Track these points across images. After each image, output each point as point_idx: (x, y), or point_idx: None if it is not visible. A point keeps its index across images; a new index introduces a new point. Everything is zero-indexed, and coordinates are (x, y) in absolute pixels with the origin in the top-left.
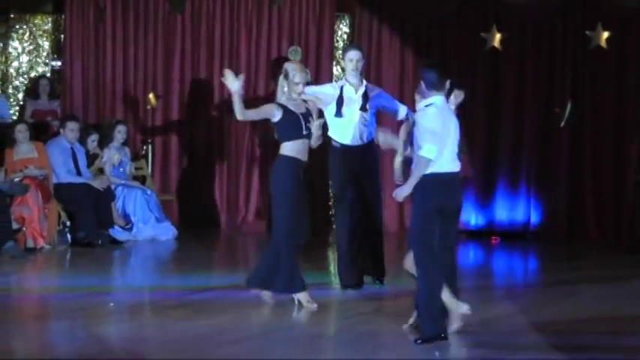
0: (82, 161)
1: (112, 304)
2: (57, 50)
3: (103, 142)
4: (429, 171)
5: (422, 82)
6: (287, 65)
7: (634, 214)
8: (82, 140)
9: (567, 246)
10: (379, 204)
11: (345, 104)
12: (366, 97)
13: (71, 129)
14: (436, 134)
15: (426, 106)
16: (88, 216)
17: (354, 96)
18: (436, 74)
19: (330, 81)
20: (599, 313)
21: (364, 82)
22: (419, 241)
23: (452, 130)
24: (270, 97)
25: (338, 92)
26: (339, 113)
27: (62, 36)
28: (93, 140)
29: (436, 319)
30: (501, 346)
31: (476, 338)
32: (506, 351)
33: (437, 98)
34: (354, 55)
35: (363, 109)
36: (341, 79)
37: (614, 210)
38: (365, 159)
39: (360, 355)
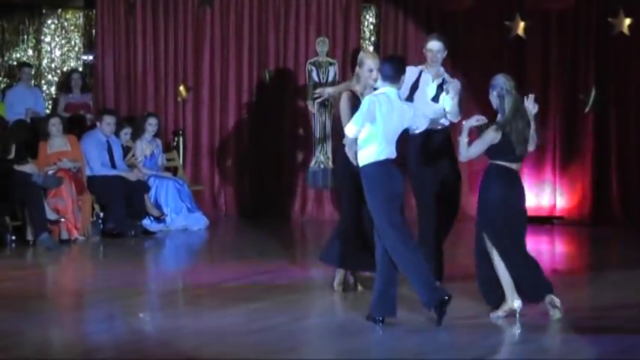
0: (118, 154)
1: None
2: (88, 45)
3: (135, 135)
4: (373, 160)
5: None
6: (361, 54)
7: None
8: (116, 134)
9: (592, 231)
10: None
11: (419, 90)
12: (440, 88)
13: (108, 122)
14: (364, 117)
15: (377, 93)
16: (118, 207)
17: (429, 85)
18: (393, 68)
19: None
20: (623, 297)
21: (445, 73)
22: (387, 223)
23: (394, 122)
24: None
25: (415, 76)
26: (410, 97)
27: (93, 31)
28: (125, 133)
29: (431, 285)
30: (529, 330)
31: (502, 321)
32: (533, 334)
33: (390, 90)
34: (432, 45)
35: (435, 99)
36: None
37: (638, 193)
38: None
39: (389, 341)
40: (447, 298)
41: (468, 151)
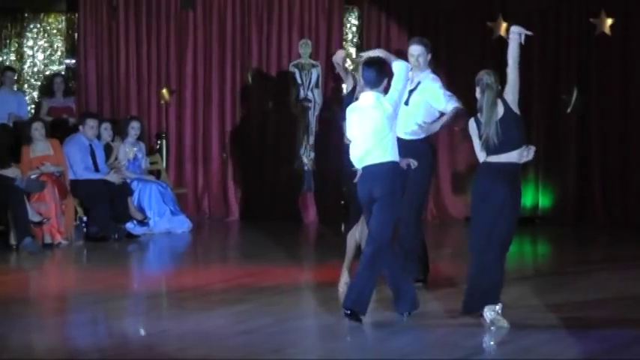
0: (101, 157)
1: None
2: (71, 49)
3: (118, 138)
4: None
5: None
6: (359, 60)
7: None
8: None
9: (576, 230)
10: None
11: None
12: (411, 91)
13: (91, 126)
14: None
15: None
16: (102, 211)
17: (410, 88)
18: (375, 73)
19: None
20: (607, 297)
21: (428, 75)
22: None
23: (364, 128)
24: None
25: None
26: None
27: (76, 35)
28: (105, 128)
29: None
30: (513, 329)
31: (480, 321)
32: (518, 334)
33: (366, 95)
34: (412, 49)
35: (406, 103)
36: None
37: (621, 193)
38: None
39: (372, 343)
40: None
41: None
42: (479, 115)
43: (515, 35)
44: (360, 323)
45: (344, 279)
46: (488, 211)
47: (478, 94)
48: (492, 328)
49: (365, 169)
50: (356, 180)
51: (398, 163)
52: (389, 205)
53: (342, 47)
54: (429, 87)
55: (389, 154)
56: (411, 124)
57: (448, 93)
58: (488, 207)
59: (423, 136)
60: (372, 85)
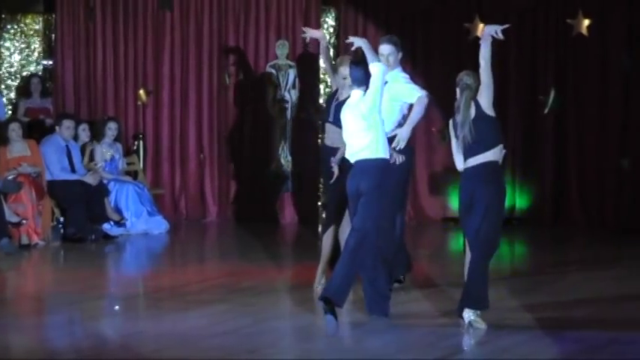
0: (77, 158)
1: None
2: (48, 49)
3: (95, 138)
4: None
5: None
6: (337, 60)
7: (618, 198)
8: (75, 134)
9: (553, 230)
10: None
11: None
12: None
13: (67, 127)
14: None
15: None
16: (79, 212)
17: None
18: (362, 72)
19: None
20: (584, 297)
21: (398, 74)
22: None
23: (347, 123)
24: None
25: None
26: None
27: (53, 35)
28: (83, 129)
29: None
30: (491, 329)
31: (458, 321)
32: (495, 334)
33: (354, 92)
34: (382, 49)
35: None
36: None
37: (598, 194)
38: None
39: (349, 343)
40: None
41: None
42: (456, 115)
43: (487, 36)
44: (335, 317)
45: (318, 281)
46: (474, 215)
47: (458, 94)
48: (470, 328)
49: (356, 163)
50: (332, 182)
51: (388, 160)
52: (374, 200)
53: (318, 50)
54: (394, 84)
55: (379, 150)
56: (387, 124)
57: (413, 85)
58: (474, 211)
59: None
60: (359, 83)
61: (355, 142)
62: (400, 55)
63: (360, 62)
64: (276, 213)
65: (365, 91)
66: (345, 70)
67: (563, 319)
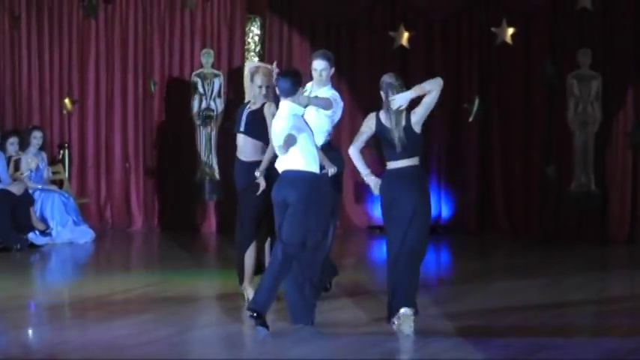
0: (2, 167)
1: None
2: None
3: (20, 147)
4: None
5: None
6: (252, 69)
7: (542, 205)
8: (2, 145)
9: (478, 238)
10: None
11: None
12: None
13: None
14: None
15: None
16: (3, 221)
17: None
18: (290, 83)
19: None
20: (509, 304)
21: (328, 91)
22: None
23: (278, 137)
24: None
25: None
26: None
27: None
28: (12, 143)
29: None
30: (422, 335)
31: (387, 329)
32: (427, 339)
33: (283, 104)
34: (316, 64)
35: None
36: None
37: (523, 202)
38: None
39: (274, 351)
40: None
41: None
42: (381, 113)
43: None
44: (266, 328)
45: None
46: (399, 219)
47: (383, 96)
48: (399, 334)
49: (284, 174)
50: (258, 193)
51: (316, 174)
52: (301, 212)
53: (244, 58)
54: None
55: (308, 163)
56: (317, 135)
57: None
58: (398, 214)
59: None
60: (287, 93)
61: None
62: (332, 70)
63: (287, 73)
64: (201, 222)
65: (292, 102)
66: (259, 79)
67: (490, 327)
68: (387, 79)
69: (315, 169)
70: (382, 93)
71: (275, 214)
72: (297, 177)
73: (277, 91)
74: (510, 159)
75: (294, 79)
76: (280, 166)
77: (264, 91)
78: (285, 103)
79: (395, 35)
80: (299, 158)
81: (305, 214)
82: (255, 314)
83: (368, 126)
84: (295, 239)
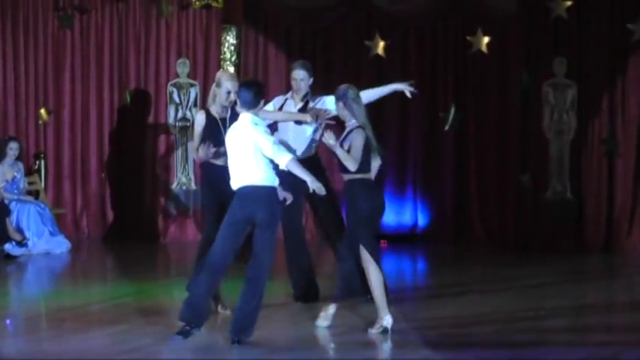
0: None
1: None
2: None
3: None
4: None
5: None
6: (219, 74)
7: (518, 214)
8: None
9: (454, 247)
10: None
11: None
12: (303, 110)
13: None
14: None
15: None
16: None
17: (292, 110)
18: (252, 94)
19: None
20: (485, 311)
21: (309, 96)
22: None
23: (233, 148)
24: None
25: (280, 105)
26: (274, 126)
27: None
28: None
29: None
30: (397, 344)
31: (365, 338)
32: (403, 349)
33: (244, 116)
34: (296, 74)
35: (298, 122)
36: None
37: (498, 210)
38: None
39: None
40: None
41: (353, 159)
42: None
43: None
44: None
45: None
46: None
47: (341, 110)
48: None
49: (243, 189)
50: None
51: (276, 189)
52: (272, 227)
53: (220, 67)
54: (321, 99)
55: (267, 178)
56: (302, 142)
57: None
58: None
59: (313, 153)
60: (249, 105)
61: (238, 166)
62: (311, 80)
63: (250, 84)
64: (178, 232)
65: (254, 114)
66: (228, 84)
67: (465, 336)
68: (351, 93)
69: (274, 184)
70: (340, 105)
71: (227, 228)
72: (261, 193)
73: (238, 103)
74: (486, 167)
75: (257, 91)
76: (238, 181)
77: (232, 97)
78: (247, 116)
79: (371, 44)
80: (260, 173)
81: (273, 230)
82: (237, 342)
83: (363, 137)
84: (270, 255)
